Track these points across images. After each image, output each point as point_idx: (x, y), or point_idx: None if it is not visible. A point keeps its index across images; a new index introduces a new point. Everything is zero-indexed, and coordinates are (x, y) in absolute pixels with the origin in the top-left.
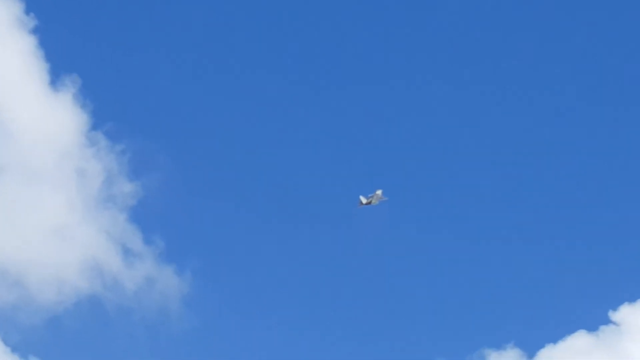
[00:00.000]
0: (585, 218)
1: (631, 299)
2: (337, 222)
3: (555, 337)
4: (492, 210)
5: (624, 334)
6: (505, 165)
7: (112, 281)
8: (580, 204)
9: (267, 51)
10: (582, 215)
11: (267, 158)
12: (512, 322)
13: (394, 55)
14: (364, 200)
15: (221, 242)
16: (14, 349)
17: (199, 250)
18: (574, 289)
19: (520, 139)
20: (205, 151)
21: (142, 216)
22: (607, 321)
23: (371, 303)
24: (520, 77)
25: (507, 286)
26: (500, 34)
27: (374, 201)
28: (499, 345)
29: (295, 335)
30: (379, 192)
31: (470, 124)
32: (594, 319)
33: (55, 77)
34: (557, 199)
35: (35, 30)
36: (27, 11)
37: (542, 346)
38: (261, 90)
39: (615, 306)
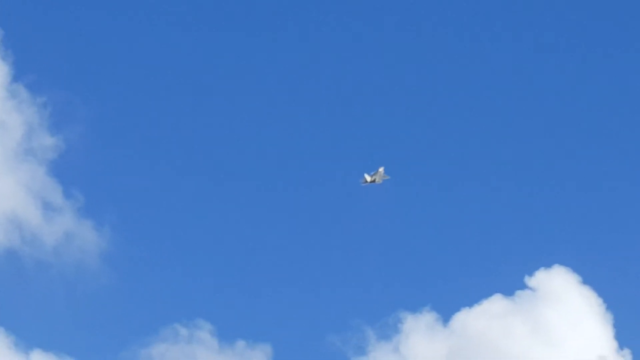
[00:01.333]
0: (501, 184)
1: (547, 264)
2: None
3: (471, 301)
4: (416, 174)
5: (540, 299)
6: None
7: (31, 236)
8: (495, 172)
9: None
10: (498, 181)
11: (187, 113)
12: (428, 286)
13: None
14: (368, 178)
15: (141, 197)
16: None
17: (119, 206)
18: (491, 253)
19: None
20: (128, 106)
21: (62, 170)
22: (523, 286)
23: (287, 260)
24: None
25: (423, 250)
26: None
27: (378, 179)
28: (414, 309)
29: (215, 291)
30: (381, 169)
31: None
32: (510, 283)
33: None
34: (477, 165)
35: None
36: None
37: (457, 310)
38: (193, 44)
39: (531, 271)
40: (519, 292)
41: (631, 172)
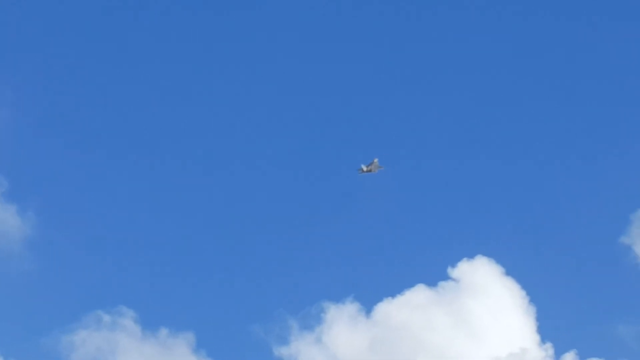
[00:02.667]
0: (424, 176)
1: (470, 255)
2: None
3: (393, 291)
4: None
5: (462, 290)
6: None
7: None
8: (419, 163)
9: None
10: (421, 173)
11: (116, 97)
12: (351, 276)
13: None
14: (364, 168)
15: (65, 183)
16: None
17: (43, 191)
18: (414, 244)
19: None
20: (52, 91)
21: None
22: (446, 277)
23: (211, 249)
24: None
25: (346, 240)
26: None
27: (374, 169)
28: (337, 299)
29: (139, 278)
30: (376, 160)
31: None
32: (433, 274)
33: None
34: (400, 157)
35: None
36: None
37: (380, 300)
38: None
39: (454, 262)
40: (442, 283)
41: (553, 164)
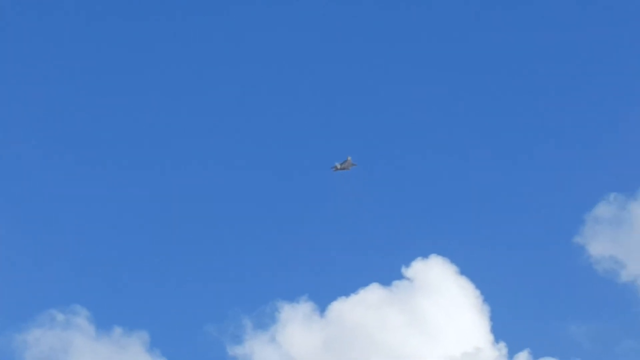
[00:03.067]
0: (377, 175)
1: (424, 254)
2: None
3: (347, 290)
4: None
5: (417, 289)
6: None
7: None
8: (372, 163)
9: None
10: (374, 173)
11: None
12: (305, 275)
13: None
14: (338, 166)
15: (18, 181)
16: None
17: None
18: (369, 244)
19: None
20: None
21: None
22: (400, 276)
23: (165, 248)
24: None
25: (301, 240)
26: None
27: (347, 167)
28: (292, 298)
29: (92, 277)
30: (349, 158)
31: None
32: (388, 273)
33: None
34: (355, 156)
35: None
36: None
37: (334, 299)
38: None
39: (408, 261)
40: (396, 282)
41: (508, 164)
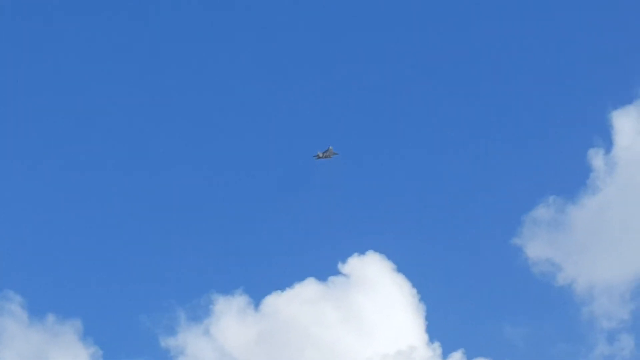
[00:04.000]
0: (314, 170)
1: (360, 250)
2: None
3: (283, 284)
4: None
5: (352, 286)
6: None
7: None
8: (307, 158)
9: None
10: (312, 167)
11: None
12: (241, 268)
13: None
14: (320, 154)
15: None
16: None
17: None
18: (305, 238)
19: None
20: None
21: None
22: (336, 272)
23: (99, 235)
24: None
25: (237, 231)
26: None
27: (329, 155)
28: (226, 291)
29: (26, 262)
30: (331, 147)
31: None
32: (324, 269)
33: None
34: (288, 152)
35: None
36: None
37: (269, 293)
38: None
39: (344, 257)
40: (332, 278)
41: (446, 162)
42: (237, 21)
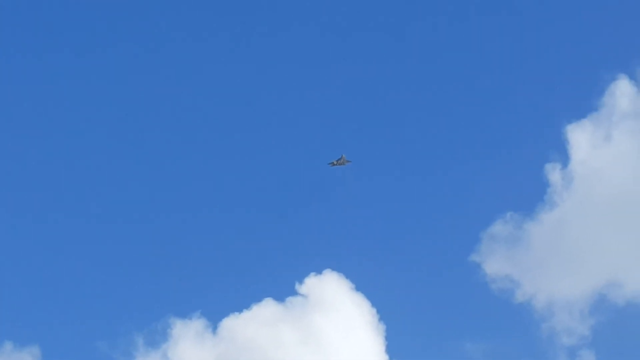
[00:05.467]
0: (274, 191)
1: (318, 270)
2: None
3: (240, 306)
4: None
5: (311, 305)
6: None
7: None
8: (268, 179)
9: None
10: (271, 188)
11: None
12: (198, 291)
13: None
14: (335, 162)
15: None
16: None
17: None
18: (262, 258)
19: None
20: None
21: None
22: (294, 292)
23: (55, 261)
24: None
25: (194, 254)
26: None
27: (343, 163)
28: (184, 314)
29: None
30: (343, 156)
31: None
32: (282, 289)
33: None
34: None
35: None
36: None
37: (226, 315)
38: None
39: (302, 277)
40: (290, 299)
41: (403, 179)
42: (250, 28)
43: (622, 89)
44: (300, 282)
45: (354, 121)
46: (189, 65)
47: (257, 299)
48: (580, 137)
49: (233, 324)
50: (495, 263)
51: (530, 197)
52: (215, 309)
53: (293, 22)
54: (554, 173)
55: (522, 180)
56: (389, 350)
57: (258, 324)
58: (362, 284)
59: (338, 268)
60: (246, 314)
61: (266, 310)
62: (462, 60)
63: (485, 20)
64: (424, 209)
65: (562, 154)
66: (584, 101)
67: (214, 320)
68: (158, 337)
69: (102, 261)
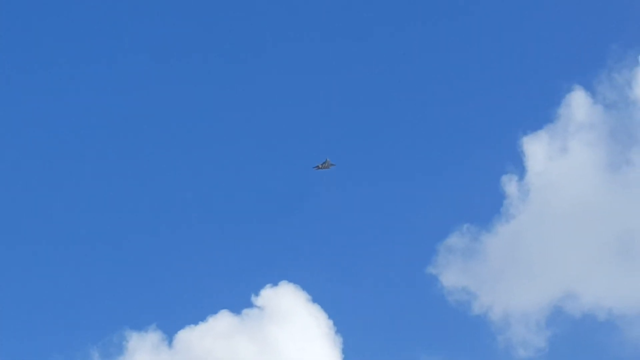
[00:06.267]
0: (224, 202)
1: (274, 282)
2: None
3: (196, 318)
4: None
5: (267, 317)
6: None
7: None
8: (217, 190)
9: None
10: (220, 199)
11: None
12: (154, 303)
13: None
14: (320, 166)
15: None
16: None
17: None
18: (218, 271)
19: None
20: None
21: None
22: (250, 304)
23: (9, 275)
24: None
25: (148, 268)
26: None
27: (328, 166)
28: (140, 327)
29: None
30: (328, 160)
31: None
32: (238, 301)
33: None
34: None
35: None
36: None
37: (182, 327)
38: None
39: (258, 288)
40: (246, 310)
41: (358, 187)
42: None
43: (578, 100)
44: (256, 293)
45: (308, 134)
46: (174, 70)
47: (213, 311)
48: (536, 148)
49: (189, 336)
50: (451, 275)
51: (486, 209)
52: (171, 321)
53: (281, 27)
54: (510, 185)
55: (479, 192)
56: None
57: (214, 336)
58: (319, 296)
59: (294, 279)
60: (202, 326)
61: (222, 322)
62: (417, 72)
63: (438, 31)
64: (380, 220)
65: (518, 166)
66: (540, 112)
67: (169, 332)
68: (113, 350)
69: (56, 274)
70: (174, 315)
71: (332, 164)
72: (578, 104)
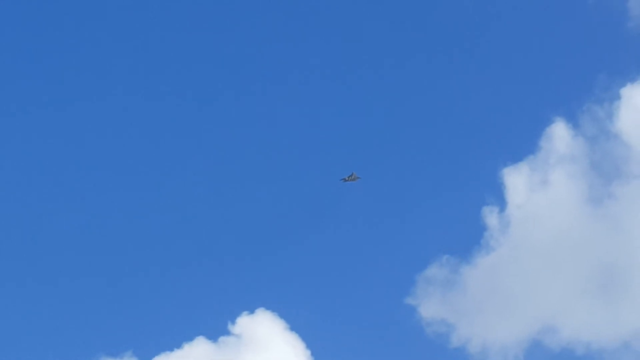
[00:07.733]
0: (198, 229)
1: (250, 309)
2: None
3: (172, 345)
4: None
5: (244, 345)
6: None
7: None
8: (194, 214)
9: None
10: (195, 225)
11: None
12: (130, 329)
13: None
14: (346, 178)
15: None
16: None
17: None
18: (194, 298)
19: None
20: None
21: None
22: (227, 332)
23: None
24: None
25: (122, 293)
26: None
27: (354, 179)
28: (115, 354)
29: None
30: (354, 173)
31: None
32: (214, 328)
33: None
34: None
35: None
36: None
37: (157, 354)
38: None
39: (234, 316)
40: (222, 338)
41: (338, 217)
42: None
43: (559, 132)
44: (233, 321)
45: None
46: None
47: (189, 337)
48: (517, 180)
49: None
50: (430, 306)
51: (466, 240)
52: (147, 348)
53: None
54: (490, 217)
55: (459, 224)
56: None
57: None
58: (296, 324)
59: (271, 307)
60: (177, 353)
61: (198, 349)
62: (397, 102)
63: (418, 61)
64: (359, 250)
65: (498, 198)
66: (521, 144)
67: (145, 359)
68: None
69: (29, 298)
70: (150, 342)
71: (357, 177)
72: (559, 135)
